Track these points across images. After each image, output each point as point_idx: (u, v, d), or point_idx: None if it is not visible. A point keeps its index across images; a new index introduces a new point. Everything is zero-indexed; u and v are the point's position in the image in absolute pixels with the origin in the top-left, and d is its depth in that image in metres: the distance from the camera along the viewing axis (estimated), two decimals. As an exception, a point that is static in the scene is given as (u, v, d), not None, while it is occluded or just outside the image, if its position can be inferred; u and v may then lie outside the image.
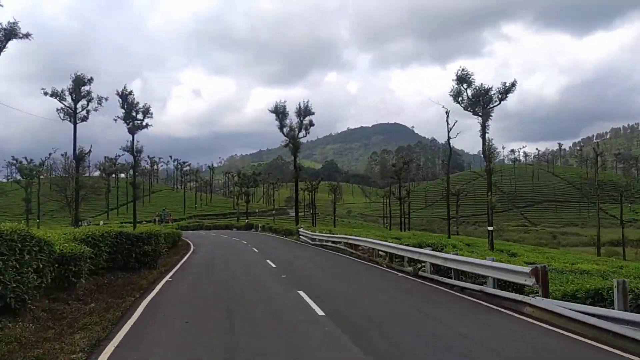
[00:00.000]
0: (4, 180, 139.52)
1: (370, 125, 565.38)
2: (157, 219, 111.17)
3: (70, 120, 35.94)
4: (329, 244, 30.87)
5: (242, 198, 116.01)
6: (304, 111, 55.83)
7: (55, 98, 34.96)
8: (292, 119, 55.57)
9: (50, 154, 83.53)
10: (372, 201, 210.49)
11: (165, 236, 26.74)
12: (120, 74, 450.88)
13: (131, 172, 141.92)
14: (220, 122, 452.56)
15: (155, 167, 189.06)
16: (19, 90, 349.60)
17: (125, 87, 42.60)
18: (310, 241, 36.50)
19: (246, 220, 73.32)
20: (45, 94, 34.46)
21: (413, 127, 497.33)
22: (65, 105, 35.70)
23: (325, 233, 34.67)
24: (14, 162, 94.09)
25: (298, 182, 58.12)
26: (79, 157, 36.67)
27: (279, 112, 55.66)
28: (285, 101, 55.67)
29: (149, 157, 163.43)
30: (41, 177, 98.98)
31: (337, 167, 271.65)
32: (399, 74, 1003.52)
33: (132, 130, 43.69)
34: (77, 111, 35.91)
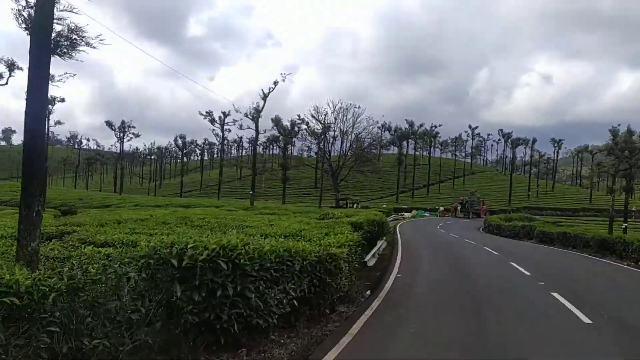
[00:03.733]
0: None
1: None
2: (459, 207, 74.68)
3: None
4: None
5: (605, 186, 67.97)
6: None
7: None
8: None
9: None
10: None
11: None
12: (467, 63, 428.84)
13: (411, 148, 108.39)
14: (571, 110, 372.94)
15: (482, 145, 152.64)
16: (378, 81, 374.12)
17: None
18: None
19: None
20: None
21: None
22: None
23: None
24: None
25: None
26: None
27: None
28: None
29: (470, 127, 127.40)
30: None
31: None
32: None
33: None
34: None
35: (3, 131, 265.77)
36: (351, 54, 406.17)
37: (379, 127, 69.90)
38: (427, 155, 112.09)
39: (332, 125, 62.78)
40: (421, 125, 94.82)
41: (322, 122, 58.48)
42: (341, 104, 64.07)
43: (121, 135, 74.84)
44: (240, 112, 48.75)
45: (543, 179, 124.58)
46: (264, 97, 47.76)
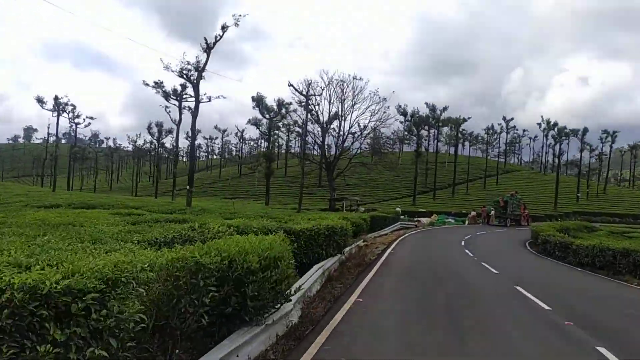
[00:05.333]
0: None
1: None
2: (492, 212, 57.98)
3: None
4: None
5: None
6: None
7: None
8: None
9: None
10: None
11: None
12: (501, 65, 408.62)
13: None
14: (609, 112, 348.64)
15: (517, 141, 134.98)
16: (409, 82, 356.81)
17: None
18: None
19: None
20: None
21: None
22: None
23: None
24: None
25: None
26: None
27: None
28: None
29: (504, 118, 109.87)
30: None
31: None
32: None
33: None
34: None
35: (25, 129, 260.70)
36: (382, 55, 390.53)
37: (387, 107, 52.54)
38: (454, 149, 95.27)
39: (319, 98, 47.20)
40: (445, 109, 77.66)
41: (305, 93, 42.76)
42: (339, 75, 49.10)
43: (56, 115, 61.39)
44: (174, 71, 34.08)
45: (592, 179, 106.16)
46: (207, 48, 32.84)
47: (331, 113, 51.73)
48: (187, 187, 33.66)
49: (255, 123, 60.65)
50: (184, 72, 33.19)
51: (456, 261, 19.79)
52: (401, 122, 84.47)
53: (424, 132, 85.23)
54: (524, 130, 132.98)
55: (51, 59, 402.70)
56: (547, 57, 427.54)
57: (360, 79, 51.30)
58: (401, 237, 30.75)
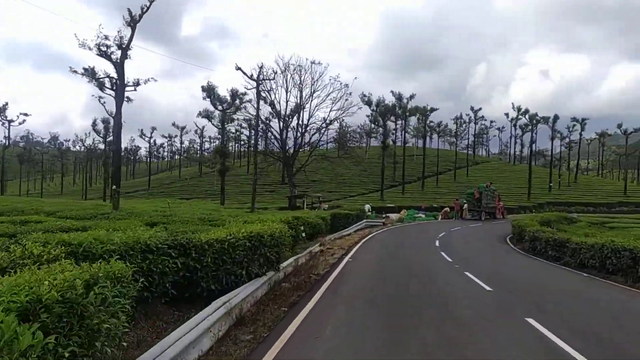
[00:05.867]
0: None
1: None
2: (465, 205, 54.36)
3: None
4: None
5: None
6: None
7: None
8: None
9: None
10: None
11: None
12: (466, 59, 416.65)
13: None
14: (567, 105, 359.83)
15: (485, 132, 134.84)
16: (376, 78, 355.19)
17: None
18: None
19: None
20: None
21: None
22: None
23: None
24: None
25: None
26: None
27: None
28: None
29: (472, 108, 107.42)
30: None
31: None
32: None
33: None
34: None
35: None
36: (349, 51, 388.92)
37: (349, 94, 48.17)
38: (422, 141, 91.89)
39: (275, 85, 42.48)
40: (411, 97, 73.75)
41: (256, 77, 37.63)
42: (297, 59, 44.35)
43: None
44: (91, 49, 28.36)
45: (561, 169, 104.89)
46: (132, 21, 27.57)
47: (290, 103, 47.11)
48: (113, 187, 28.30)
49: (207, 115, 55.14)
50: (102, 48, 27.79)
51: (431, 270, 15.38)
52: (367, 116, 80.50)
53: (390, 124, 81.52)
54: (491, 122, 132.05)
55: (10, 61, 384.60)
56: (510, 52, 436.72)
57: (319, 63, 46.78)
58: (365, 239, 26.31)
